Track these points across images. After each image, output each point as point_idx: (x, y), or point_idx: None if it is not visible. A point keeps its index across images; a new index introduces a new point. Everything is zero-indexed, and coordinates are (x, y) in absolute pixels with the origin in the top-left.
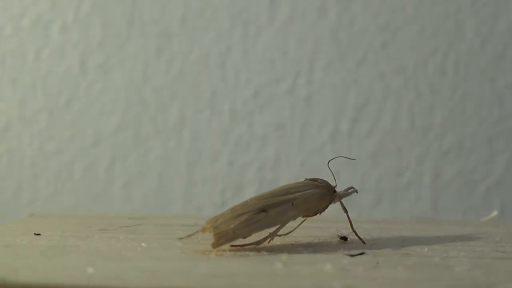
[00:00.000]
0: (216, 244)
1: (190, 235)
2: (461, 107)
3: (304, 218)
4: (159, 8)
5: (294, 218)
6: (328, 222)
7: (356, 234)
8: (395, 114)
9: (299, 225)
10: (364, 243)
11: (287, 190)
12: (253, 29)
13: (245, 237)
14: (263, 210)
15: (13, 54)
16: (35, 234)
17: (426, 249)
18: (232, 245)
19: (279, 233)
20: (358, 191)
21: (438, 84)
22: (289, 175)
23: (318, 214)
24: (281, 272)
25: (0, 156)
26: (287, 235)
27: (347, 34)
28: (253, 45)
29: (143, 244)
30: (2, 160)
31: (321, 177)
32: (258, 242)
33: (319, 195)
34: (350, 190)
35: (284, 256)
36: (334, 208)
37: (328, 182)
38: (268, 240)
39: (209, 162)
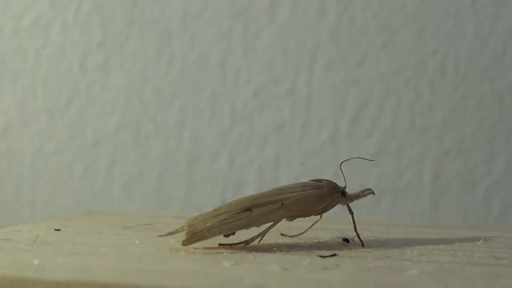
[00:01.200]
0: (187, 242)
1: (169, 233)
2: (461, 107)
3: (317, 220)
4: (159, 8)
5: (282, 218)
6: (343, 224)
7: (358, 237)
8: (395, 114)
9: (311, 226)
10: (363, 246)
11: (282, 190)
12: (253, 29)
13: (227, 236)
14: (247, 209)
15: (13, 54)
16: (55, 229)
17: (415, 253)
18: (220, 244)
19: (289, 235)
20: (375, 193)
21: (438, 84)
22: (289, 175)
23: (319, 214)
24: (215, 271)
25: (0, 156)
26: (297, 236)
27: (347, 34)
28: (253, 45)
29: (136, 241)
30: (2, 160)
31: (331, 178)
32: (247, 241)
33: (317, 196)
34: (366, 192)
35: (251, 255)
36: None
37: (332, 183)
38: (259, 239)
39: (209, 162)
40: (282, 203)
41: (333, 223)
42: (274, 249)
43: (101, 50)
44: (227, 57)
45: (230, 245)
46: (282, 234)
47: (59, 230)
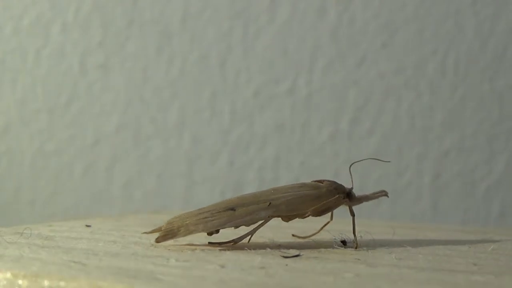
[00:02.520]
0: (161, 239)
1: (154, 230)
2: (461, 107)
3: (327, 221)
4: (159, 8)
5: (268, 217)
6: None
7: (355, 239)
8: (395, 114)
9: (322, 228)
10: (356, 249)
11: (276, 190)
12: (253, 29)
13: (210, 234)
14: (231, 208)
15: (13, 54)
16: (86, 225)
17: (393, 256)
18: (209, 242)
19: (301, 236)
20: (388, 195)
21: (438, 84)
22: (289, 175)
23: (318, 216)
24: (161, 269)
25: (0, 156)
26: (308, 238)
27: (347, 34)
28: (253, 45)
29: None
30: (2, 160)
31: (332, 178)
32: (235, 241)
33: (313, 197)
34: (378, 193)
35: (203, 253)
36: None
37: (334, 184)
38: (248, 239)
39: (209, 162)
40: (270, 203)
41: (341, 224)
42: (246, 248)
43: (101, 50)
44: (227, 57)
45: (219, 243)
46: (293, 235)
47: (89, 226)
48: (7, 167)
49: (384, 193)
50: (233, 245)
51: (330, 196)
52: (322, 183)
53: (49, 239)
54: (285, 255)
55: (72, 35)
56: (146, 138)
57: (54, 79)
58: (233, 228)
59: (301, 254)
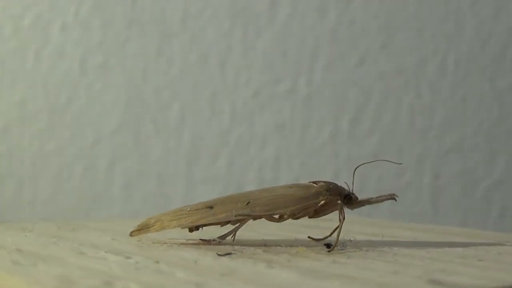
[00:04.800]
0: (135, 233)
1: (138, 226)
2: (461, 107)
3: (339, 224)
4: (159, 8)
5: (246, 216)
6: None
7: (336, 241)
8: (395, 114)
9: (334, 230)
10: (328, 250)
11: (264, 190)
12: (253, 29)
13: (191, 231)
14: (210, 206)
15: (13, 54)
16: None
17: (330, 259)
18: (201, 239)
19: (315, 238)
20: (396, 198)
21: (438, 84)
22: (289, 175)
23: (312, 217)
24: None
25: (0, 156)
26: (319, 240)
27: (347, 34)
28: (253, 45)
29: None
30: (2, 160)
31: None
32: (222, 237)
33: (297, 198)
34: (383, 197)
35: (145, 250)
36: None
37: (327, 186)
38: (231, 236)
39: (209, 162)
40: (249, 202)
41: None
42: (201, 246)
43: (101, 50)
44: (227, 57)
45: (208, 240)
46: (309, 237)
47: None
48: (7, 167)
49: (391, 197)
50: (220, 241)
51: (317, 198)
52: (316, 184)
53: None
54: (220, 253)
55: (72, 35)
56: (146, 138)
57: (54, 79)
58: (219, 226)
59: (233, 252)
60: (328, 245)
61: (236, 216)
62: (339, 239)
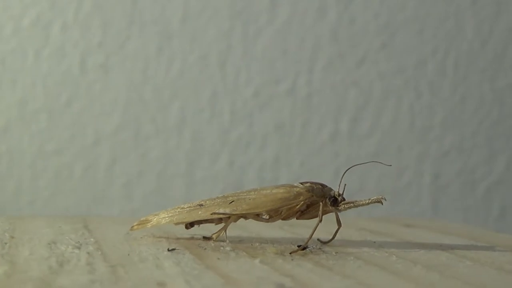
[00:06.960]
0: (135, 227)
1: (140, 221)
2: (461, 107)
3: (338, 227)
4: (159, 8)
5: (231, 215)
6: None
7: (307, 242)
8: (395, 114)
9: (335, 233)
10: (291, 252)
11: (253, 190)
12: (253, 29)
13: (187, 228)
14: (200, 205)
15: (13, 54)
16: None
17: (291, 260)
18: (204, 237)
19: (323, 241)
20: (383, 202)
21: (438, 84)
22: (289, 175)
23: (299, 218)
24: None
25: (0, 156)
26: (328, 244)
27: (347, 34)
28: (253, 45)
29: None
30: (2, 160)
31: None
32: (211, 236)
33: (278, 199)
34: (372, 200)
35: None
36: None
37: (312, 187)
38: (216, 235)
39: (209, 162)
40: (232, 201)
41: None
42: (175, 245)
43: (101, 50)
44: (227, 57)
45: (209, 238)
46: (318, 240)
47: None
48: (7, 167)
49: (378, 200)
50: (214, 239)
51: (298, 199)
52: (302, 185)
53: None
54: (169, 248)
55: (72, 35)
56: (146, 138)
57: (54, 79)
58: (214, 224)
59: (177, 248)
60: (300, 246)
61: (211, 214)
62: (309, 240)
